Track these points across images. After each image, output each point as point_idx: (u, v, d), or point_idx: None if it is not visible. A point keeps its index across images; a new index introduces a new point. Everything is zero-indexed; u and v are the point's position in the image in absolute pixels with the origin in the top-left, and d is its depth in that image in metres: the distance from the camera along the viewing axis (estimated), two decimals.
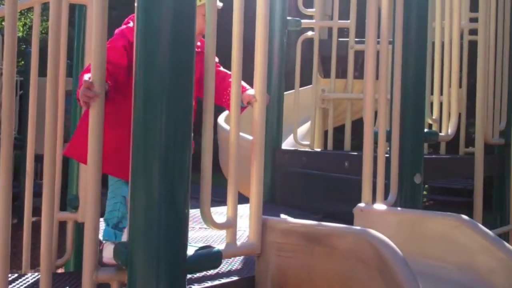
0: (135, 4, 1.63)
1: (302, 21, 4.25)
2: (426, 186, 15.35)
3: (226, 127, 4.08)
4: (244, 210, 2.08)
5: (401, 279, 1.60)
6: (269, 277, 1.94)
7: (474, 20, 3.82)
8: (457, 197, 11.75)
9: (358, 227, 1.84)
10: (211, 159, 1.79)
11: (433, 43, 3.14)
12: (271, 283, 1.94)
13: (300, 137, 4.29)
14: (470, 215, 2.88)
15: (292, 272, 1.92)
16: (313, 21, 4.33)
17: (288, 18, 4.04)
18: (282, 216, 3.19)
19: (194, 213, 2.44)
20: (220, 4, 2.07)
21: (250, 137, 1.99)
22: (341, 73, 4.41)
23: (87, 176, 1.72)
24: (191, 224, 2.42)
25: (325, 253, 1.82)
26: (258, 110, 1.94)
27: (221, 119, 4.55)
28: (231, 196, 1.88)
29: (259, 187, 1.92)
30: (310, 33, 4.32)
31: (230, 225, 1.85)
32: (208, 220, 1.77)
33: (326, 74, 4.55)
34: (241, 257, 2.18)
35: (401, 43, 2.65)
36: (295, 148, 4.19)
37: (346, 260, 1.77)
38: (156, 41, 1.60)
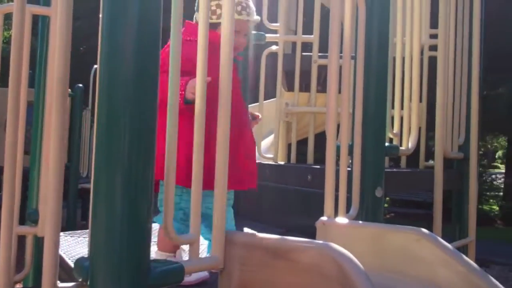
0: (100, 15, 1.62)
1: (267, 35, 4.29)
2: (387, 198, 15.60)
3: None
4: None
5: None
6: None
7: (434, 36, 3.91)
8: (418, 209, 11.97)
9: (321, 241, 1.85)
10: (174, 171, 1.78)
11: (394, 58, 3.21)
12: None
13: (264, 150, 4.31)
14: (430, 227, 2.93)
15: (256, 287, 1.92)
16: (277, 35, 4.37)
17: (253, 32, 4.08)
18: (246, 230, 3.19)
19: (156, 228, 2.42)
20: (257, 18, 2.15)
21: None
22: (305, 87, 4.46)
23: (47, 189, 1.69)
24: (154, 239, 2.40)
25: (288, 268, 1.82)
26: (221, 124, 1.93)
27: None
28: (194, 210, 1.87)
29: (222, 201, 1.91)
30: (274, 47, 4.36)
31: (193, 239, 1.84)
32: (170, 234, 1.75)
33: (290, 87, 4.60)
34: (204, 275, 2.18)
35: (363, 58, 2.69)
36: (259, 161, 4.20)
37: (308, 274, 1.78)
38: (120, 55, 1.59)
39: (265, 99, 4.33)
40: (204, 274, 2.19)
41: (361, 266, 1.71)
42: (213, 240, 1.91)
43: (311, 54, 4.25)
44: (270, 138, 4.84)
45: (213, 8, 2.14)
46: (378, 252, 2.27)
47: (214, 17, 2.14)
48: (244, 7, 2.13)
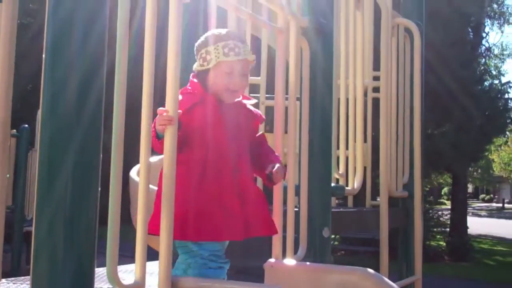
0: (43, 55, 1.61)
1: None
2: (338, 236, 15.73)
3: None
4: (156, 267, 2.02)
5: None
6: None
7: (377, 78, 4.04)
8: (368, 247, 12.10)
9: (269, 285, 1.84)
10: (119, 214, 1.75)
11: (339, 100, 3.29)
12: None
13: None
14: (372, 262, 2.97)
15: None
16: None
17: None
18: None
19: (102, 272, 2.36)
20: (252, 56, 2.19)
21: None
22: None
23: None
24: (99, 285, 2.33)
25: None
26: (167, 162, 1.91)
27: (133, 172, 4.46)
28: (139, 254, 1.83)
29: (169, 243, 1.88)
30: None
31: (138, 286, 1.80)
32: (114, 281, 1.71)
33: None
34: None
35: (308, 99, 2.75)
36: None
37: None
38: (62, 94, 1.57)
39: None
40: None
41: None
42: (158, 286, 1.87)
43: (258, 95, 4.30)
44: None
45: (204, 55, 2.16)
46: None
47: (205, 63, 2.15)
48: (231, 48, 2.13)
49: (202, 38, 2.22)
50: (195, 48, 2.22)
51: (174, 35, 1.90)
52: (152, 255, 1.94)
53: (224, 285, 1.84)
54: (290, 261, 2.39)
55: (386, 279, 2.16)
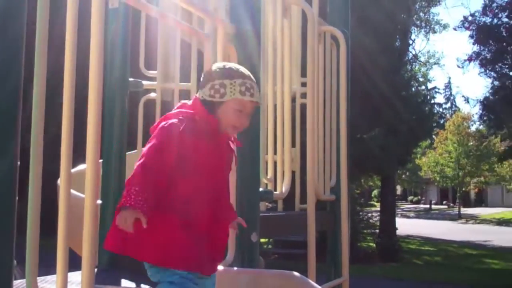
0: None
1: (145, 82, 4.28)
2: (271, 240, 15.88)
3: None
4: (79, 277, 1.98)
5: None
6: None
7: (305, 84, 4.12)
8: (300, 249, 12.27)
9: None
10: (38, 223, 1.71)
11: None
12: None
13: None
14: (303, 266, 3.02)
15: None
16: (155, 83, 4.38)
17: (130, 79, 4.05)
18: (124, 284, 3.09)
19: (22, 284, 2.28)
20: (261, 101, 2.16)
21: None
22: None
23: None
24: None
25: None
26: (89, 169, 1.88)
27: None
28: (60, 264, 1.80)
29: (92, 253, 1.85)
30: (153, 94, 4.36)
31: None
32: None
33: None
34: None
35: None
36: None
37: None
38: None
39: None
40: None
41: None
42: None
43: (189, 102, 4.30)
44: None
45: (217, 86, 2.07)
46: None
47: (217, 95, 2.07)
48: (248, 88, 2.08)
49: (215, 68, 2.14)
50: (204, 75, 2.15)
51: (96, 39, 1.86)
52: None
53: None
54: (218, 267, 2.40)
55: (311, 282, 2.21)
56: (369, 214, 19.66)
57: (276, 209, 4.21)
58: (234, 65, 2.18)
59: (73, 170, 4.17)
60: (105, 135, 3.59)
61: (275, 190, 3.20)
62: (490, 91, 13.56)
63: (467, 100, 21.40)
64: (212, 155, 2.05)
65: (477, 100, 13.69)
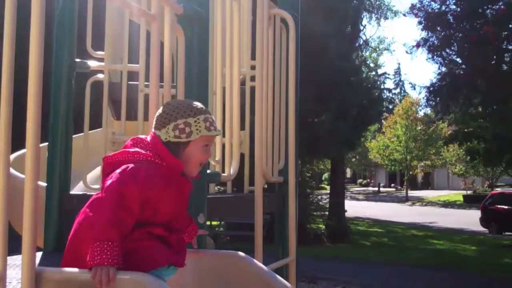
0: None
1: (92, 63, 4.21)
2: (222, 222, 15.95)
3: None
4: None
5: None
6: None
7: (255, 67, 4.13)
8: (252, 231, 12.35)
9: (135, 272, 1.84)
10: None
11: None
12: None
13: (91, 181, 4.19)
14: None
15: None
16: (103, 64, 4.31)
17: (76, 60, 3.97)
18: None
19: None
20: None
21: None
22: (134, 115, 4.43)
23: None
24: None
25: None
26: (30, 150, 1.84)
27: None
28: (1, 246, 1.77)
29: (32, 234, 1.82)
30: (100, 75, 4.29)
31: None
32: None
33: (118, 116, 4.54)
34: None
35: (183, 87, 2.77)
36: (85, 193, 4.07)
37: None
38: None
39: (93, 129, 4.23)
40: None
41: None
42: (21, 278, 1.81)
43: (137, 83, 4.25)
44: (98, 169, 4.73)
45: (181, 126, 2.05)
46: (200, 277, 2.33)
47: (183, 135, 2.05)
48: (211, 122, 2.09)
49: (173, 107, 2.11)
50: (162, 116, 2.11)
51: (36, 15, 1.82)
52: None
53: (86, 274, 1.81)
54: None
55: (255, 261, 2.25)
56: (319, 197, 19.97)
57: (223, 192, 4.24)
58: (190, 102, 2.17)
59: (18, 153, 4.07)
60: (51, 117, 3.53)
61: (223, 172, 3.21)
62: (437, 77, 13.92)
63: (413, 87, 21.92)
64: (174, 200, 2.06)
65: (424, 86, 14.05)
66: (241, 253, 2.26)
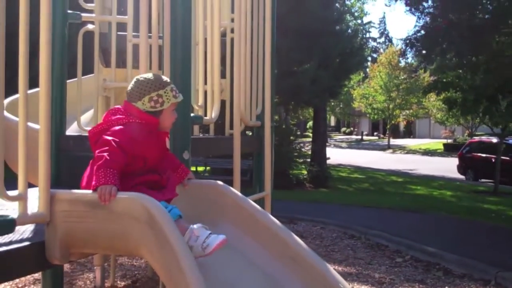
0: None
1: (84, 14, 4.49)
2: (208, 168, 16.42)
3: (11, 117, 4.14)
4: (35, 192, 2.34)
5: (165, 229, 2.06)
6: (57, 240, 2.27)
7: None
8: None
9: (131, 192, 2.24)
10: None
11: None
12: (59, 246, 2.27)
13: (84, 123, 4.54)
14: (244, 191, 3.46)
15: (79, 235, 2.27)
16: (93, 15, 4.58)
17: (69, 11, 4.25)
18: None
19: None
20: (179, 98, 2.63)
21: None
22: (122, 63, 4.74)
23: None
24: None
25: (105, 216, 2.21)
26: (43, 101, 2.21)
27: None
28: (21, 173, 2.15)
29: (47, 164, 2.21)
30: (90, 26, 4.57)
31: (21, 197, 2.13)
32: (1, 192, 2.03)
33: (107, 64, 4.84)
34: (33, 228, 2.46)
35: (169, 37, 3.10)
36: (79, 134, 4.43)
37: (123, 220, 2.18)
38: None
39: (84, 75, 4.53)
40: (221, 238, 2.31)
41: (164, 209, 2.15)
42: (39, 198, 2.21)
43: (126, 33, 4.54)
44: (90, 112, 5.06)
45: (155, 98, 2.54)
46: (187, 204, 2.71)
47: (158, 105, 2.54)
48: (176, 91, 2.61)
49: (145, 82, 2.56)
50: (135, 91, 2.55)
51: None
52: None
53: (95, 194, 2.21)
54: None
55: (232, 188, 2.65)
56: (302, 144, 20.41)
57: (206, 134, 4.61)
58: (157, 76, 2.64)
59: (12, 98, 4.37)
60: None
61: (206, 116, 3.58)
62: (415, 29, 14.14)
63: (390, 40, 22.01)
64: (156, 148, 2.57)
65: (400, 39, 14.24)
66: (220, 182, 2.66)
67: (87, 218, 2.24)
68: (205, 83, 3.70)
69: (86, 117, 4.97)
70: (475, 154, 20.99)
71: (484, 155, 20.29)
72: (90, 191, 2.25)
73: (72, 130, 4.78)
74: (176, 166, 2.75)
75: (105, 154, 2.29)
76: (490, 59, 11.42)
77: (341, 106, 49.96)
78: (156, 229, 2.08)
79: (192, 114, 3.29)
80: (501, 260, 7.05)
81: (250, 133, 4.85)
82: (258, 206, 2.62)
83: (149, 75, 2.62)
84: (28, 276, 5.92)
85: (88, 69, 4.71)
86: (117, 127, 2.43)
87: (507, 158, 18.81)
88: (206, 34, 3.74)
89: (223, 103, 4.13)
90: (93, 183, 2.23)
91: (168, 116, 2.59)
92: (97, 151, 2.34)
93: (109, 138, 2.35)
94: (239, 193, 2.66)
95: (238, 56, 3.67)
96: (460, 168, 22.01)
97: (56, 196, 2.27)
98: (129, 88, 2.59)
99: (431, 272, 6.94)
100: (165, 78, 2.66)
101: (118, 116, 2.51)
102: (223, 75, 4.10)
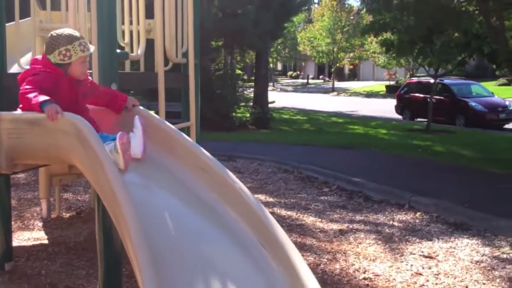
0: None
1: None
2: (152, 112, 16.66)
3: None
4: None
5: (89, 139, 2.57)
6: (3, 153, 2.76)
7: None
8: (176, 119, 13.24)
9: (64, 112, 2.73)
10: None
11: None
12: (5, 158, 2.77)
13: (24, 63, 4.86)
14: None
15: (20, 149, 2.78)
16: None
17: None
18: None
19: None
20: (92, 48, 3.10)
21: None
22: (58, 6, 5.05)
23: None
24: None
25: (41, 131, 2.70)
26: None
27: None
28: None
29: None
30: None
31: None
32: None
33: (43, 6, 5.14)
34: None
35: None
36: (19, 72, 4.77)
37: (55, 134, 2.68)
38: None
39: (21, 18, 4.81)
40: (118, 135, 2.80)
41: (89, 124, 2.66)
42: None
43: None
44: (29, 54, 5.36)
45: (64, 52, 2.97)
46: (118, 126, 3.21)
47: (66, 58, 2.97)
48: (84, 45, 3.02)
49: (56, 37, 3.00)
50: (49, 44, 3.00)
51: None
52: None
53: (32, 113, 2.69)
54: None
55: (154, 114, 3.16)
56: (245, 87, 20.79)
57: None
58: (68, 31, 3.07)
59: None
60: None
61: (132, 52, 4.02)
62: None
63: None
64: (64, 94, 2.98)
65: None
66: (142, 107, 3.17)
67: (27, 134, 2.73)
68: (130, 23, 4.09)
69: (25, 57, 5.30)
70: (413, 94, 21.56)
71: (421, 95, 20.76)
72: (30, 111, 2.73)
73: (13, 69, 5.09)
74: (113, 96, 3.25)
75: (28, 87, 2.80)
76: (418, 3, 11.96)
77: (287, 50, 50.30)
78: (81, 139, 2.59)
79: (118, 51, 3.72)
80: (416, 188, 7.77)
81: None
82: (174, 127, 3.13)
83: (62, 31, 3.06)
84: None
85: (25, 13, 4.99)
86: (33, 73, 2.93)
87: (442, 97, 19.61)
88: None
89: (152, 41, 4.51)
90: (33, 102, 2.69)
91: (77, 67, 3.03)
92: (21, 92, 2.83)
93: (28, 79, 2.87)
94: (157, 116, 3.18)
95: None
96: (398, 108, 22.70)
97: (1, 117, 2.74)
98: (46, 41, 3.06)
99: (353, 199, 7.67)
100: (76, 33, 3.09)
101: (33, 65, 3.02)
102: (151, 16, 4.47)
